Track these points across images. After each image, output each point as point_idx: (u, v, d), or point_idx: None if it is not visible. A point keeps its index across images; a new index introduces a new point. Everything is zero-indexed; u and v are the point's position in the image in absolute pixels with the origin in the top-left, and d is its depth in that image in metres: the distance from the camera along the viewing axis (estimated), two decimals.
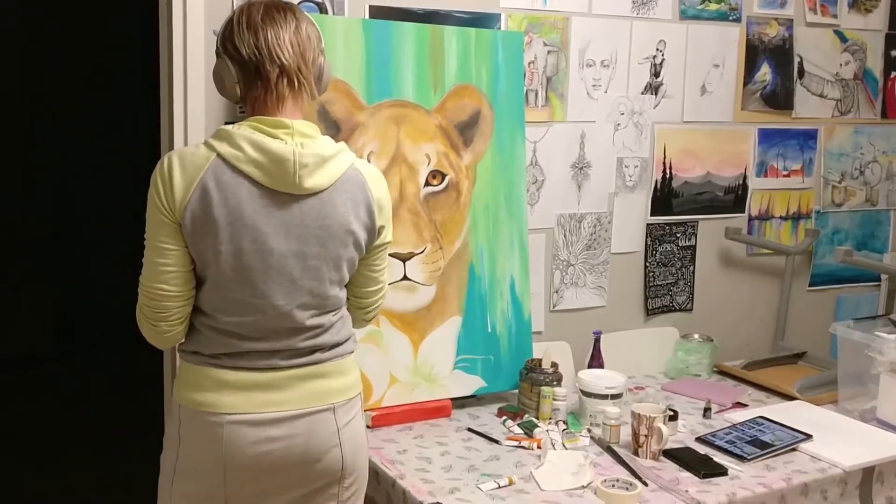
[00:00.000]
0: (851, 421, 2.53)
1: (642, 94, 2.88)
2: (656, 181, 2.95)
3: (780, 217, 3.23)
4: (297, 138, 1.71)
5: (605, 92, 2.82)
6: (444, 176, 2.46)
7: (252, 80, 1.73)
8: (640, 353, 2.90)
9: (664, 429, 2.18)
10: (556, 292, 2.82)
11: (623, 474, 2.09)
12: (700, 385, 2.78)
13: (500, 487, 2.02)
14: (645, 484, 2.04)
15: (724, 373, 2.91)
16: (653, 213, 2.97)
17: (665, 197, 2.98)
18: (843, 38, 3.26)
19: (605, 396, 2.38)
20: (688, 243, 3.06)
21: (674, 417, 2.35)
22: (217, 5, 2.25)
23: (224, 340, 1.76)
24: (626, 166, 2.89)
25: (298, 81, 1.74)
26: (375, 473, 2.12)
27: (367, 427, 2.31)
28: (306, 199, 1.72)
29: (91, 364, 5.40)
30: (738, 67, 3.05)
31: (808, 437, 2.32)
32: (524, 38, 2.64)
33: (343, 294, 1.86)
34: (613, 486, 1.99)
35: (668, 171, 2.97)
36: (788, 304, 3.14)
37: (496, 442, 2.29)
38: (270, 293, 1.73)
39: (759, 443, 2.28)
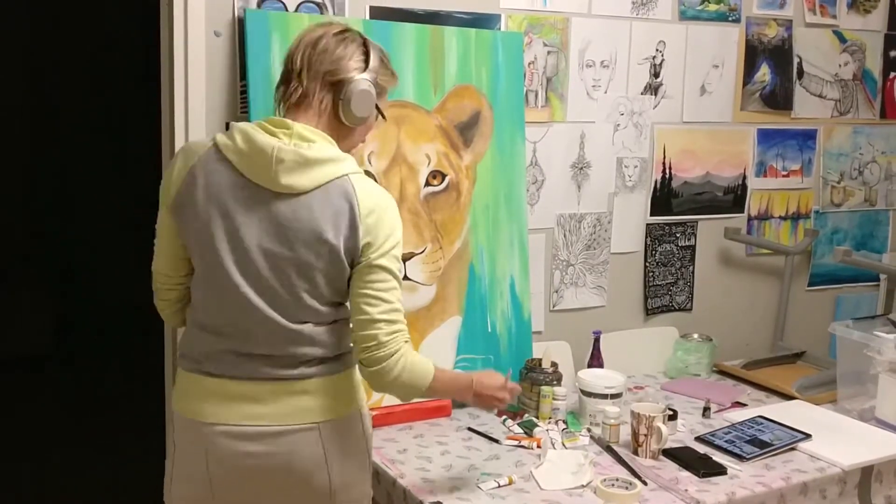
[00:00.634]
0: (850, 420, 2.53)
1: (642, 94, 2.89)
2: (656, 181, 2.96)
3: (780, 217, 3.24)
4: (294, 139, 1.72)
5: (605, 92, 2.82)
6: (444, 176, 2.47)
7: (278, 85, 1.84)
8: (639, 352, 2.91)
9: (664, 428, 2.18)
10: (556, 292, 2.83)
11: (623, 473, 2.09)
12: (699, 385, 2.78)
13: (500, 487, 2.02)
14: (644, 483, 2.05)
15: (723, 372, 2.91)
16: (652, 213, 2.97)
17: (665, 197, 2.98)
18: (842, 39, 3.26)
19: (604, 396, 2.38)
20: (687, 243, 3.06)
21: (673, 417, 2.35)
22: (217, 5, 2.26)
23: (206, 337, 1.79)
24: (625, 166, 2.89)
25: (301, 86, 1.77)
26: (376, 473, 2.13)
27: None
28: (286, 198, 1.72)
29: (91, 364, 5.40)
30: (737, 68, 3.05)
31: (807, 436, 2.32)
32: (524, 39, 2.64)
33: (329, 311, 1.79)
34: (613, 485, 2.00)
35: (667, 171, 2.97)
36: (787, 304, 3.14)
37: (496, 441, 2.29)
38: (242, 286, 1.73)
39: (758, 442, 2.29)
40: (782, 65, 3.14)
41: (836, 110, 3.30)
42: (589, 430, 2.36)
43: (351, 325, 1.79)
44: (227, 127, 2.28)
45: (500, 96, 2.54)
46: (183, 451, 1.82)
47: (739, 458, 2.21)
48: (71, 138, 5.89)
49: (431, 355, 2.44)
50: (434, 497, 1.97)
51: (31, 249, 5.79)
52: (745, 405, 2.62)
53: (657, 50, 2.89)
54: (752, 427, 2.39)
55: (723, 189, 3.09)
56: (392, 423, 2.38)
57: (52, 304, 5.46)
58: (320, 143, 1.75)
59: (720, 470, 2.13)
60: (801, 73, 3.19)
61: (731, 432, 2.36)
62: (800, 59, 3.17)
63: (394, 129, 2.40)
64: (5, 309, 5.24)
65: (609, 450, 2.24)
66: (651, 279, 3.00)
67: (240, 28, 2.27)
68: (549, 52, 2.71)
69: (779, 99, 3.15)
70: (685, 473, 2.12)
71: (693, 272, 3.09)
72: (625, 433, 2.28)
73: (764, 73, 3.11)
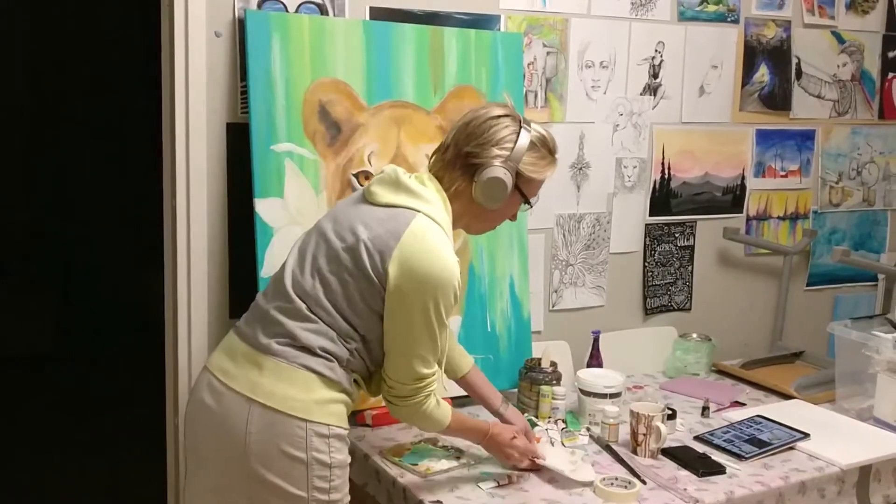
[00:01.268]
0: (849, 420, 2.53)
1: (641, 94, 2.89)
2: (655, 181, 2.97)
3: (778, 217, 3.24)
4: (414, 180, 1.87)
5: (604, 93, 2.83)
6: None
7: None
8: (638, 352, 2.91)
9: (662, 427, 2.19)
10: (556, 292, 2.83)
11: (622, 473, 2.10)
12: (698, 384, 2.79)
13: (499, 486, 2.03)
14: (643, 482, 2.05)
15: (722, 372, 2.92)
16: (651, 214, 2.98)
17: (663, 197, 2.99)
18: (840, 40, 3.27)
19: (603, 395, 2.39)
20: (686, 243, 3.07)
21: (672, 416, 2.36)
22: (218, 6, 2.27)
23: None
24: (624, 167, 2.90)
25: (445, 153, 1.91)
26: (376, 472, 2.13)
27: (368, 426, 2.32)
28: (367, 203, 1.87)
29: (91, 364, 5.40)
30: (736, 68, 3.06)
31: (806, 435, 2.33)
32: (523, 40, 2.65)
33: (329, 316, 1.79)
34: (612, 484, 2.00)
35: (666, 171, 2.98)
36: (786, 304, 3.15)
37: None
38: (293, 253, 1.89)
39: (756, 441, 2.29)
40: (781, 65, 3.15)
41: (835, 111, 3.30)
42: (588, 429, 2.36)
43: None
44: (228, 127, 2.29)
45: (499, 97, 2.54)
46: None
47: (738, 457, 2.21)
48: (71, 138, 5.89)
49: None
50: (434, 496, 1.97)
51: (31, 249, 5.79)
52: (743, 405, 2.63)
53: (656, 51, 2.90)
54: (751, 426, 2.40)
55: (721, 189, 3.10)
56: (392, 422, 2.37)
57: (52, 304, 5.46)
58: (425, 182, 1.86)
59: (719, 469, 2.14)
60: (799, 74, 3.19)
61: (729, 432, 2.36)
62: (798, 59, 3.18)
63: (394, 130, 2.40)
64: (5, 309, 5.24)
65: (608, 449, 2.24)
66: (650, 279, 3.01)
67: (240, 29, 2.28)
68: (548, 53, 2.72)
69: (777, 99, 3.16)
70: (684, 472, 2.12)
71: (692, 272, 3.09)
72: (624, 432, 2.28)
73: (762, 73, 3.11)
